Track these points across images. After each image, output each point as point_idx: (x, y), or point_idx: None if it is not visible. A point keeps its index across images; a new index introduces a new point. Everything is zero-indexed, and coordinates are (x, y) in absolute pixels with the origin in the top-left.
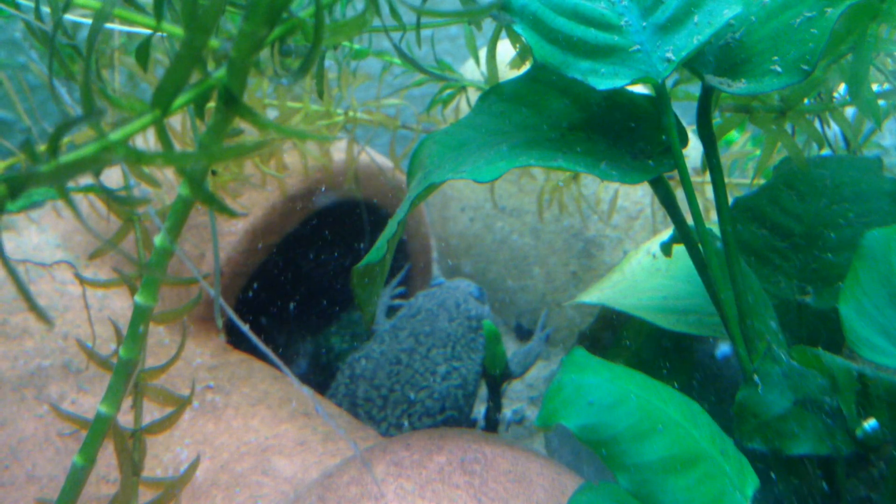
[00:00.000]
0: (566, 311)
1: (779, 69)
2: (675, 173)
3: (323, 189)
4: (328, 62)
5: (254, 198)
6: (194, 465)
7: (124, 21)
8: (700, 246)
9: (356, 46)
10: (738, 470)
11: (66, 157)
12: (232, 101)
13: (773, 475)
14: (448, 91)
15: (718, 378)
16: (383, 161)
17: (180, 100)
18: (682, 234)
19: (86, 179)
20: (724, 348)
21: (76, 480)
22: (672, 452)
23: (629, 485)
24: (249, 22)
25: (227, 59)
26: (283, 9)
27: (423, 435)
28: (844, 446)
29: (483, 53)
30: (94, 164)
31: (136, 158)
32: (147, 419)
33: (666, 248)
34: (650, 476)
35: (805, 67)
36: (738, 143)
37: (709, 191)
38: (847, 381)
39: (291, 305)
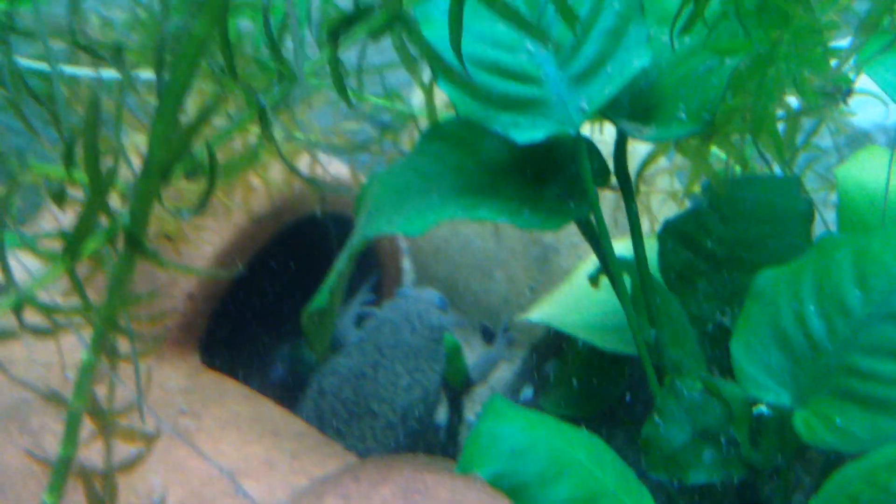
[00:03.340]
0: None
1: (683, 116)
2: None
3: (288, 208)
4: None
5: (220, 222)
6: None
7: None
8: (617, 282)
9: (312, 80)
10: (637, 502)
11: None
12: (135, 244)
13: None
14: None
15: (650, 397)
16: (347, 173)
17: (88, 247)
18: (605, 268)
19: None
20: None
21: None
22: (576, 494)
23: None
24: (144, 180)
25: (130, 203)
26: (172, 166)
27: (372, 466)
28: (737, 472)
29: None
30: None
31: (47, 311)
32: (125, 447)
33: (592, 280)
34: None
35: (705, 116)
36: None
37: (653, 201)
38: (742, 410)
39: (264, 320)
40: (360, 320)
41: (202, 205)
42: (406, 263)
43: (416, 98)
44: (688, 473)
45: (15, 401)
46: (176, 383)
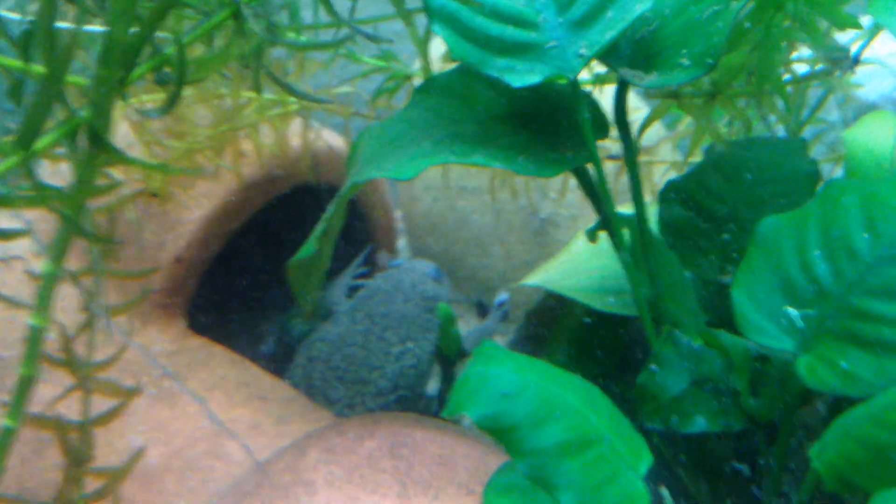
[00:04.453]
0: (524, 289)
1: (686, 62)
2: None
3: (280, 174)
4: (280, 51)
5: (210, 187)
6: (137, 456)
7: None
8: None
9: (303, 39)
10: (633, 450)
11: None
12: (97, 140)
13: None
14: (394, 81)
15: (647, 354)
16: (341, 143)
17: (45, 140)
18: (604, 222)
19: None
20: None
21: None
22: (568, 437)
23: (526, 469)
24: (104, 66)
25: (90, 93)
26: (135, 53)
27: (358, 421)
28: (736, 423)
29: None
30: None
31: (3, 202)
32: (105, 408)
33: (590, 235)
34: (546, 460)
35: (709, 61)
36: (686, 119)
37: (657, 171)
38: (743, 360)
39: (253, 289)
40: (352, 292)
41: (171, 104)
42: (402, 243)
43: (417, 65)
44: (684, 422)
45: None
46: (161, 346)
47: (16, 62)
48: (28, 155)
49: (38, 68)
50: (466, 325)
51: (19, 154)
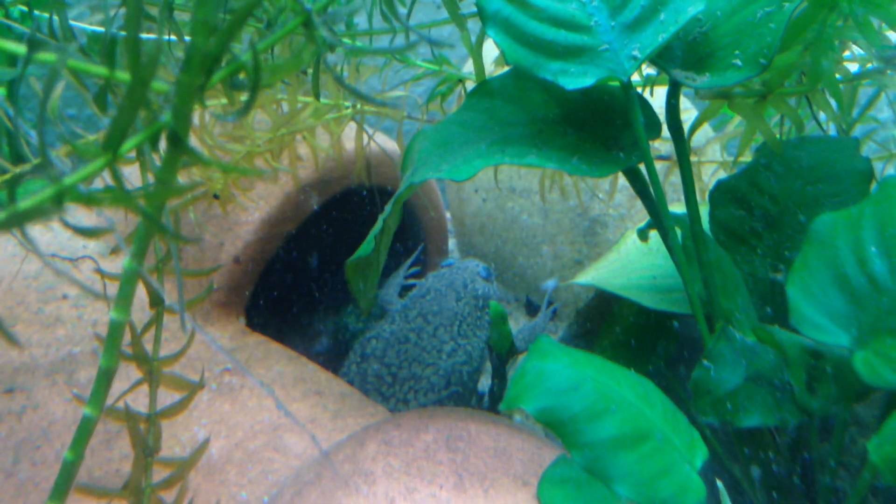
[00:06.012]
0: (573, 288)
1: (739, 63)
2: (671, 156)
3: (335, 177)
4: (335, 57)
5: (268, 189)
6: (203, 447)
7: (76, 73)
8: (668, 232)
9: (358, 44)
10: (688, 443)
11: (23, 204)
12: (178, 143)
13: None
14: (447, 84)
15: (697, 352)
16: (394, 147)
17: (130, 143)
18: (656, 221)
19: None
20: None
21: (68, 474)
22: (624, 430)
23: (583, 461)
24: (186, 73)
25: (172, 99)
26: (217, 59)
27: (414, 415)
28: (792, 417)
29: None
30: (51, 208)
31: (88, 201)
32: (168, 402)
33: (642, 234)
34: (602, 453)
35: (762, 61)
36: (734, 120)
37: (705, 171)
38: (798, 356)
39: (308, 289)
40: (404, 291)
41: (248, 108)
42: (451, 243)
43: (467, 68)
44: (739, 417)
45: (63, 356)
46: (222, 343)
47: (100, 69)
48: (115, 157)
49: (122, 75)
50: (515, 324)
51: (107, 157)
